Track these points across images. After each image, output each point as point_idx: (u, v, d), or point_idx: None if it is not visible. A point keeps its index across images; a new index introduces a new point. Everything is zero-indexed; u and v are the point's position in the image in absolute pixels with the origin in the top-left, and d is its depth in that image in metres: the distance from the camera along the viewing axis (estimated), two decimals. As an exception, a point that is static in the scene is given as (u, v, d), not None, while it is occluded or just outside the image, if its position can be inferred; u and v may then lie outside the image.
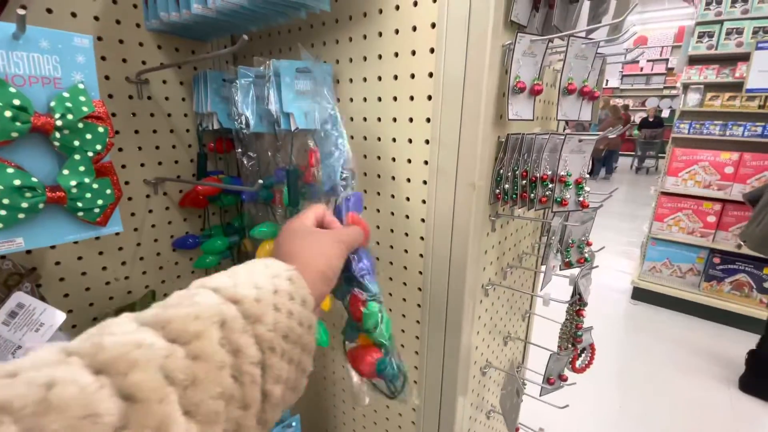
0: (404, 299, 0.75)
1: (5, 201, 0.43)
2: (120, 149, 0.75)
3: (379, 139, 0.70)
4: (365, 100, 0.70)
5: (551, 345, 0.82)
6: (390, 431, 0.89)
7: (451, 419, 0.75)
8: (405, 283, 0.74)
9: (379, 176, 0.72)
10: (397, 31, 0.63)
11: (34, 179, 0.45)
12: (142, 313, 0.27)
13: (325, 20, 0.72)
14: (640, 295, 2.97)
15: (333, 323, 0.85)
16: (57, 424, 0.18)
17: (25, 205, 0.45)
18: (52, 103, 0.46)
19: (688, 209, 2.69)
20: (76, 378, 0.21)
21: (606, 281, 3.27)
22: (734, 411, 1.94)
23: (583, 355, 0.82)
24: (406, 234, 0.71)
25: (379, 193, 0.73)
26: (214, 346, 0.27)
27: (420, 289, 0.72)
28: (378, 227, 0.75)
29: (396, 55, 0.64)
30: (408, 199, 0.69)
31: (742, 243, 2.34)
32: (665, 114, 8.66)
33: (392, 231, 0.73)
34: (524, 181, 0.62)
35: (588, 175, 0.63)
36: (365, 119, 0.71)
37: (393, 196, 0.71)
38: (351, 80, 0.71)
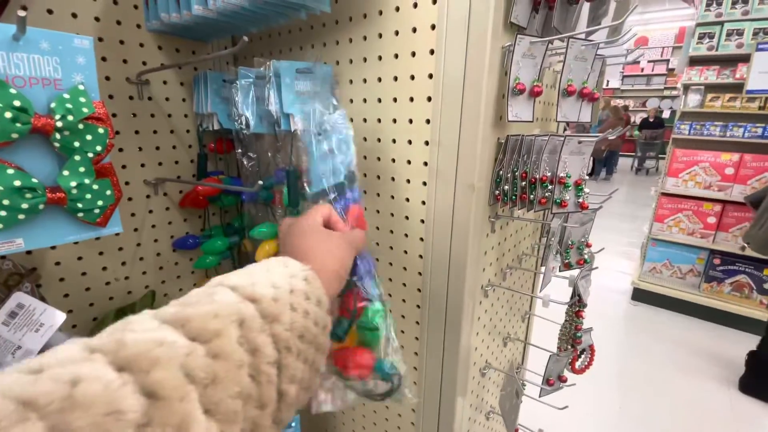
0: (404, 300, 0.76)
1: (5, 202, 0.43)
2: (120, 150, 0.75)
3: (379, 140, 0.70)
4: (365, 101, 0.70)
5: (551, 346, 0.82)
6: (389, 432, 0.89)
7: (451, 420, 0.75)
8: (404, 284, 0.74)
9: (378, 177, 0.72)
10: (397, 33, 0.63)
11: (34, 180, 0.46)
12: (161, 310, 0.28)
13: (325, 21, 0.72)
14: (640, 295, 2.97)
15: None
16: (82, 421, 0.19)
17: (25, 205, 0.45)
18: (53, 105, 0.46)
19: (688, 210, 2.69)
20: (100, 375, 0.21)
21: (606, 282, 3.27)
22: (734, 412, 1.94)
23: (582, 356, 0.82)
24: (406, 235, 0.71)
25: (378, 194, 0.73)
26: (233, 344, 0.27)
27: (419, 290, 0.72)
28: (378, 228, 0.75)
29: (396, 56, 0.64)
30: (408, 200, 0.69)
31: (745, 245, 2.34)
32: (666, 115, 8.66)
33: (392, 232, 0.73)
34: (524, 183, 0.63)
35: (588, 176, 0.63)
36: (365, 120, 0.71)
37: (393, 197, 0.71)
38: (351, 81, 0.71)
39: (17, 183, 0.44)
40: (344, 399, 0.54)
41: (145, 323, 0.25)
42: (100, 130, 0.50)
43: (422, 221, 0.68)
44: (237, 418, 0.25)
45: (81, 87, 0.48)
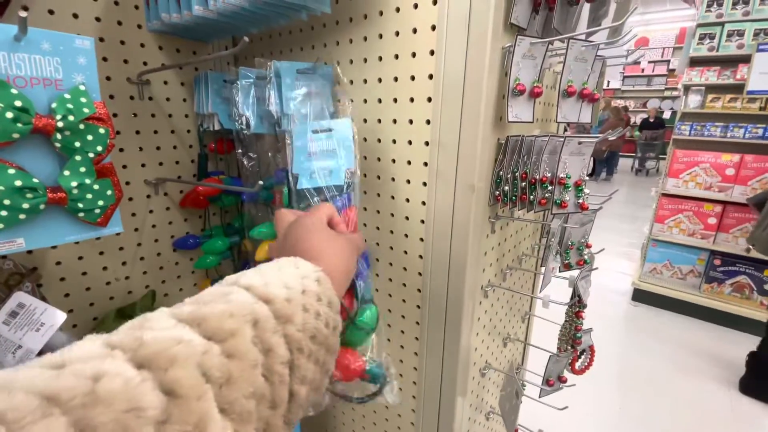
0: (404, 300, 0.76)
1: (6, 202, 0.44)
2: (121, 150, 0.76)
3: (379, 140, 0.70)
4: (365, 101, 0.70)
5: (551, 346, 0.82)
6: (389, 432, 0.89)
7: (450, 420, 0.75)
8: (404, 284, 0.74)
9: (379, 177, 0.72)
10: (397, 33, 0.63)
11: (35, 180, 0.46)
12: (177, 308, 0.28)
13: (326, 22, 0.72)
14: (640, 296, 2.97)
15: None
16: (104, 417, 0.19)
17: (26, 205, 0.45)
18: (54, 105, 0.46)
19: (688, 211, 2.69)
20: (121, 371, 0.21)
21: (606, 282, 3.27)
22: (734, 413, 1.94)
23: (582, 356, 0.82)
24: (406, 235, 0.71)
25: (379, 195, 0.73)
26: (248, 344, 0.27)
27: (419, 290, 0.72)
28: (378, 228, 0.75)
29: (396, 57, 0.64)
30: (408, 200, 0.69)
31: (750, 247, 2.34)
32: (666, 115, 8.65)
33: (392, 232, 0.73)
34: (524, 183, 0.63)
35: (588, 177, 0.64)
36: (365, 121, 0.71)
37: (393, 198, 0.71)
38: (351, 82, 0.71)
39: (18, 183, 0.44)
40: (319, 402, 0.54)
41: (162, 321, 0.26)
42: (101, 131, 0.50)
43: (422, 222, 0.68)
44: (251, 418, 0.26)
45: (82, 87, 0.49)
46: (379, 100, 0.68)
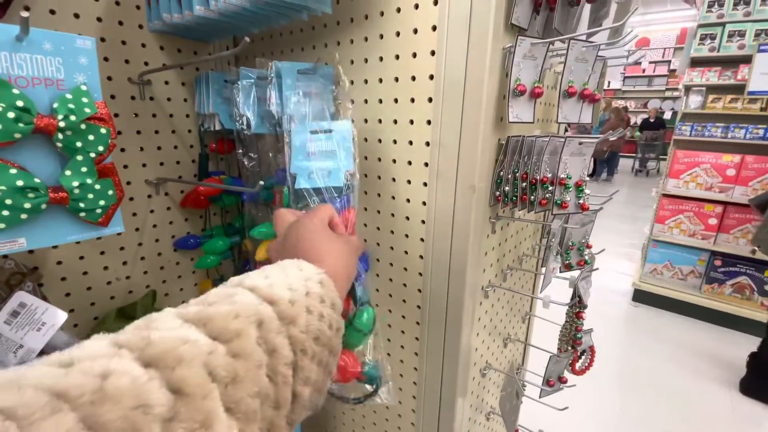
0: (404, 300, 0.76)
1: (8, 201, 0.44)
2: (122, 150, 0.76)
3: (380, 140, 0.70)
4: (366, 102, 0.70)
5: (551, 347, 0.82)
6: (389, 432, 0.89)
7: (451, 420, 0.75)
8: (405, 285, 0.74)
9: (379, 178, 0.72)
10: (398, 34, 0.63)
11: (36, 180, 0.46)
12: (183, 309, 0.28)
13: (327, 22, 0.72)
14: (640, 297, 2.96)
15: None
16: (112, 414, 0.19)
17: (27, 205, 0.45)
18: (55, 105, 0.46)
19: (689, 211, 2.69)
20: (128, 370, 0.21)
21: (607, 283, 3.27)
22: (735, 413, 1.94)
23: (583, 357, 0.82)
24: (407, 236, 0.71)
25: (379, 195, 0.73)
26: (253, 345, 0.27)
27: (420, 290, 0.72)
28: (378, 228, 0.75)
29: (397, 57, 0.64)
30: (408, 200, 0.69)
31: (756, 248, 2.34)
32: (667, 116, 8.64)
33: (392, 232, 0.73)
34: (524, 184, 0.63)
35: (588, 178, 0.64)
36: (366, 121, 0.71)
37: (393, 198, 0.71)
38: (352, 82, 0.71)
39: (20, 183, 0.44)
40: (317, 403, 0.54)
41: (168, 321, 0.26)
42: (103, 131, 0.50)
43: (423, 222, 0.68)
44: (255, 417, 0.26)
45: (83, 87, 0.49)
46: (380, 101, 0.68)
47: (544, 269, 0.71)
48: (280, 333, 0.29)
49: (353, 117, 0.72)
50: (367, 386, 0.64)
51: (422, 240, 0.69)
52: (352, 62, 0.70)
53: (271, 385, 0.28)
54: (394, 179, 0.70)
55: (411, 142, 0.66)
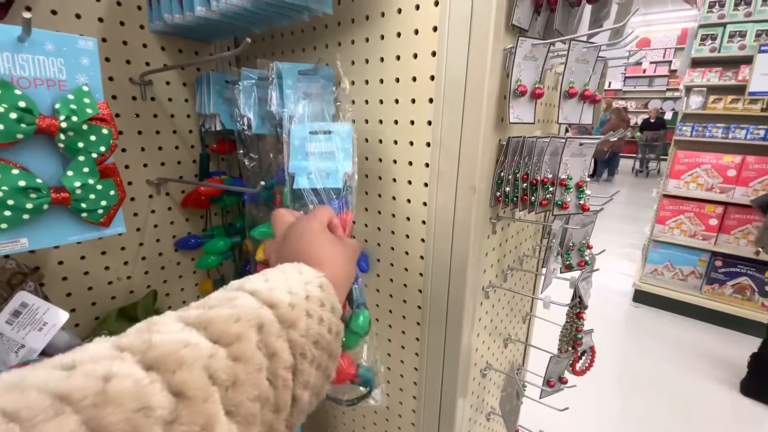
0: (404, 301, 0.76)
1: (10, 202, 0.44)
2: (123, 150, 0.76)
3: (380, 141, 0.70)
4: (367, 102, 0.70)
5: (551, 347, 0.82)
6: (390, 432, 0.89)
7: (451, 421, 0.75)
8: (405, 285, 0.75)
9: (380, 178, 0.72)
10: (399, 35, 0.63)
11: (38, 180, 0.46)
12: (184, 312, 0.28)
13: (328, 23, 0.72)
14: (641, 297, 2.96)
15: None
16: (114, 416, 0.19)
17: (29, 205, 0.45)
18: (57, 105, 0.47)
19: (690, 212, 2.69)
20: (130, 372, 0.21)
21: (607, 283, 3.27)
22: (735, 414, 1.94)
23: (583, 357, 0.82)
24: (407, 236, 0.71)
25: (380, 195, 0.73)
26: (253, 348, 0.27)
27: (421, 290, 0.72)
28: (379, 229, 0.75)
29: (398, 58, 0.64)
30: (409, 201, 0.69)
31: (760, 249, 2.34)
32: (668, 116, 8.64)
33: (393, 233, 0.73)
34: (525, 184, 0.63)
35: (589, 178, 0.64)
36: (367, 121, 0.71)
37: (394, 198, 0.71)
38: (353, 83, 0.71)
39: (22, 183, 0.44)
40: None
41: (170, 325, 0.26)
42: (104, 131, 0.50)
43: (423, 222, 0.68)
44: (255, 421, 0.26)
45: (85, 88, 0.49)
46: (381, 101, 0.68)
47: (544, 270, 0.71)
48: (280, 337, 0.30)
49: (354, 117, 0.73)
50: (361, 388, 0.64)
51: (423, 240, 0.69)
52: (353, 63, 0.70)
53: (271, 388, 0.28)
54: (394, 180, 0.70)
55: (412, 143, 0.66)
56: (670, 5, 8.63)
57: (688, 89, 2.76)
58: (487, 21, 0.53)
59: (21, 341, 0.53)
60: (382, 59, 0.66)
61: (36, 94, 0.46)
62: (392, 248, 0.75)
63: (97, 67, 0.51)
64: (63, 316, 0.55)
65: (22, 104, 0.43)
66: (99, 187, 0.51)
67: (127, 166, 0.77)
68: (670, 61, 9.29)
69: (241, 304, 0.29)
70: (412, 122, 0.65)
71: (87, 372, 0.20)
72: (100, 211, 0.52)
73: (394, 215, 0.72)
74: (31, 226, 0.48)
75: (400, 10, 0.62)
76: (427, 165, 0.65)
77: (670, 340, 2.54)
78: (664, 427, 1.85)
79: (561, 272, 0.73)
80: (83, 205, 0.50)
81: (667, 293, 2.82)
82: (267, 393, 0.27)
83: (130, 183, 0.78)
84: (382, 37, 0.65)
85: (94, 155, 0.50)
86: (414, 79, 0.63)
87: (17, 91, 0.43)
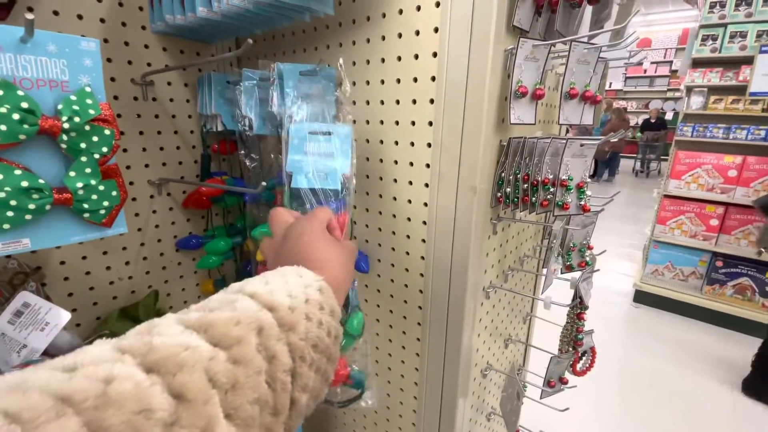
0: (405, 301, 0.76)
1: (13, 202, 0.44)
2: (125, 150, 0.76)
3: (381, 142, 0.70)
4: (368, 103, 0.70)
5: (552, 348, 0.82)
6: (390, 432, 0.89)
7: (452, 421, 0.75)
8: (406, 285, 0.75)
9: (381, 179, 0.72)
10: (400, 35, 0.63)
11: (41, 181, 0.46)
12: (184, 315, 0.28)
13: (329, 24, 0.72)
14: (642, 298, 2.96)
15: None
16: (115, 418, 0.19)
17: (32, 206, 0.45)
18: (60, 106, 0.47)
19: (690, 212, 2.68)
20: (131, 375, 0.21)
21: (608, 284, 3.27)
22: (736, 415, 1.94)
23: (584, 358, 0.82)
24: (408, 236, 0.71)
25: (381, 196, 0.73)
26: (253, 351, 0.27)
27: (421, 291, 0.73)
28: (380, 230, 0.76)
29: (399, 58, 0.64)
30: (410, 201, 0.69)
31: (762, 250, 2.34)
32: (669, 116, 8.63)
33: (394, 233, 0.74)
34: (526, 185, 0.63)
35: (590, 179, 0.64)
36: (368, 122, 0.71)
37: (395, 199, 0.71)
38: (354, 83, 0.71)
39: (24, 184, 0.44)
40: None
41: (170, 328, 0.26)
42: (107, 132, 0.50)
43: (424, 223, 0.68)
44: (254, 424, 0.26)
45: (88, 89, 0.49)
46: (382, 102, 0.68)
47: (545, 270, 0.72)
48: (280, 340, 0.30)
49: (355, 118, 0.73)
50: (353, 390, 0.65)
51: (423, 241, 0.69)
52: (354, 63, 0.71)
53: (270, 391, 0.28)
54: (395, 180, 0.70)
55: (413, 144, 0.66)
56: (670, 5, 8.63)
57: (689, 89, 2.76)
58: (488, 22, 0.53)
59: (23, 341, 0.53)
60: (383, 60, 0.66)
61: (38, 95, 0.46)
62: (393, 249, 0.75)
63: (100, 68, 0.51)
64: (65, 316, 0.55)
65: (24, 105, 0.43)
66: (101, 187, 0.51)
67: (128, 167, 0.77)
68: (671, 62, 9.28)
69: (241, 306, 0.29)
70: (413, 123, 0.65)
71: (88, 374, 0.20)
72: (102, 212, 0.52)
73: (395, 216, 0.72)
74: (34, 227, 0.48)
75: (401, 11, 0.62)
76: (428, 166, 0.65)
77: (670, 341, 2.54)
78: (664, 428, 1.85)
79: (561, 273, 0.73)
80: (85, 206, 0.50)
81: (667, 294, 2.82)
82: (266, 396, 0.27)
83: (131, 183, 0.78)
84: (384, 38, 0.65)
85: (97, 156, 0.50)
86: (415, 79, 0.63)
87: (20, 92, 0.43)
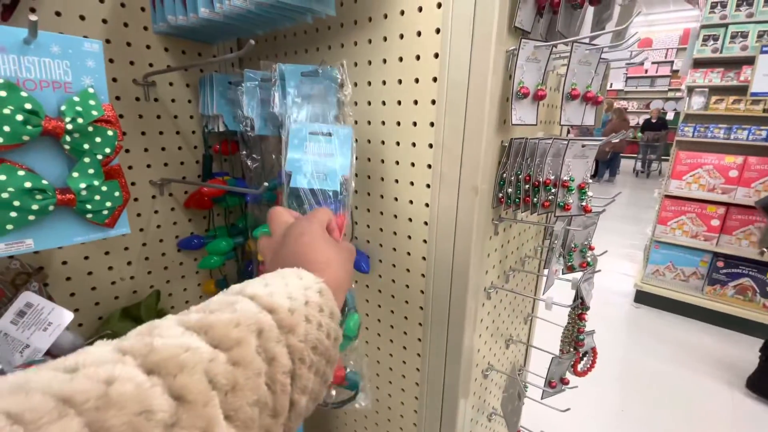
0: (406, 301, 0.76)
1: (16, 203, 0.44)
2: (127, 150, 0.76)
3: (383, 142, 0.71)
4: (369, 103, 0.71)
5: (553, 348, 0.82)
6: (391, 433, 0.89)
7: (453, 421, 0.75)
8: (407, 286, 0.75)
9: (382, 179, 0.72)
10: (401, 36, 0.63)
11: (44, 182, 0.46)
12: (185, 317, 0.28)
13: (331, 24, 0.72)
14: (642, 298, 2.96)
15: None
16: (116, 420, 0.19)
17: (35, 207, 0.45)
18: (63, 107, 0.47)
19: (691, 212, 2.68)
20: (132, 376, 0.21)
21: (609, 284, 3.27)
22: (737, 415, 1.94)
23: (585, 358, 0.82)
24: (409, 237, 0.72)
25: (382, 196, 0.73)
26: (253, 353, 0.27)
27: (423, 291, 0.73)
28: (381, 230, 0.76)
29: (400, 59, 0.64)
30: (411, 202, 0.70)
31: (764, 250, 2.34)
32: (670, 116, 8.62)
33: (395, 234, 0.74)
34: (527, 186, 0.63)
35: (591, 179, 0.64)
36: (369, 123, 0.72)
37: (396, 199, 0.72)
38: (356, 84, 0.71)
39: (28, 184, 0.45)
40: None
41: (171, 329, 0.26)
42: (110, 133, 0.51)
43: (425, 223, 0.68)
44: (254, 425, 0.26)
45: (90, 90, 0.49)
46: (383, 103, 0.69)
47: (546, 271, 0.72)
48: (280, 342, 0.30)
49: (357, 119, 0.73)
50: (347, 391, 0.65)
51: (425, 241, 0.69)
52: (356, 64, 0.71)
53: (269, 393, 0.28)
54: (397, 181, 0.70)
55: (414, 144, 0.66)
56: (672, 5, 8.62)
57: (690, 90, 2.76)
58: (490, 23, 0.53)
59: (26, 341, 0.54)
60: (384, 61, 0.66)
61: (42, 96, 0.46)
62: (394, 249, 0.75)
63: (103, 70, 0.51)
64: (68, 316, 0.56)
65: (28, 106, 0.43)
66: (104, 188, 0.51)
67: (130, 167, 0.77)
68: (672, 62, 9.27)
69: (241, 308, 0.30)
70: (415, 124, 0.65)
71: (89, 375, 0.21)
72: (105, 212, 0.53)
73: (396, 216, 0.73)
74: (37, 227, 0.48)
75: (402, 12, 0.62)
76: (429, 166, 0.65)
77: (671, 341, 2.53)
78: (665, 428, 1.85)
79: (563, 273, 0.73)
80: (88, 206, 0.50)
81: (668, 294, 2.82)
82: (266, 398, 0.27)
83: (133, 183, 0.78)
84: (385, 39, 0.65)
85: (100, 157, 0.50)
86: (417, 80, 0.63)
87: (23, 93, 0.44)
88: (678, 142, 2.76)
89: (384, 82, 0.67)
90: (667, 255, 2.84)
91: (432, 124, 0.63)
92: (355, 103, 0.73)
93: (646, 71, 9.66)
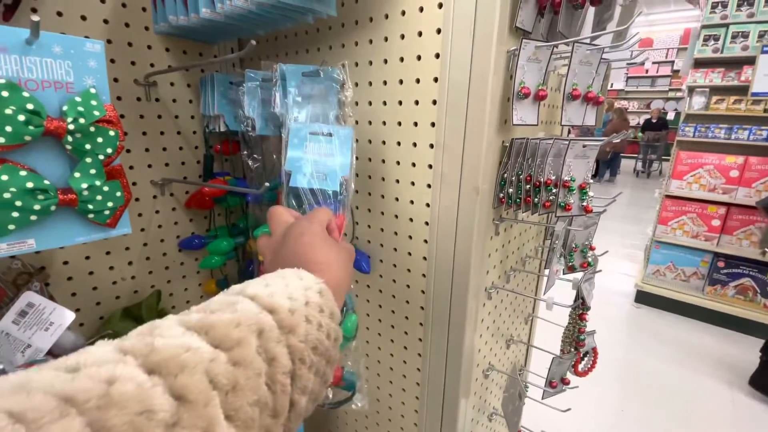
0: (407, 301, 0.76)
1: (18, 203, 0.44)
2: (128, 150, 0.76)
3: (383, 142, 0.71)
4: (370, 103, 0.71)
5: (554, 348, 0.82)
6: (392, 432, 0.89)
7: (453, 421, 0.75)
8: (408, 286, 0.75)
9: (383, 179, 0.72)
10: (402, 36, 0.63)
11: (46, 182, 0.46)
12: (186, 317, 0.28)
13: (332, 25, 0.72)
14: (643, 298, 2.96)
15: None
16: (118, 419, 0.19)
17: (37, 207, 0.46)
18: (65, 108, 0.47)
19: (692, 213, 2.68)
20: (133, 376, 0.22)
21: (609, 284, 3.26)
22: (737, 415, 1.94)
23: (585, 358, 0.82)
24: (410, 237, 0.72)
25: (383, 196, 0.73)
26: (253, 353, 0.27)
27: (423, 291, 0.73)
28: (382, 230, 0.76)
29: (401, 59, 0.64)
30: (412, 202, 0.70)
31: (766, 250, 2.34)
32: (670, 116, 8.61)
33: (396, 234, 0.74)
34: (528, 186, 0.63)
35: (592, 179, 0.64)
36: (370, 123, 0.72)
37: (397, 199, 0.72)
38: (357, 84, 0.72)
39: (30, 185, 0.45)
40: None
41: (172, 329, 0.26)
42: (111, 133, 0.51)
43: (426, 223, 0.68)
44: (254, 425, 0.26)
45: (92, 90, 0.49)
46: (384, 103, 0.69)
47: (547, 271, 0.72)
48: (280, 342, 0.30)
49: (358, 119, 0.73)
50: (344, 391, 0.65)
51: (426, 242, 0.69)
52: (356, 64, 0.71)
53: (269, 393, 0.28)
54: (397, 181, 0.70)
55: (415, 144, 0.67)
56: (672, 5, 8.62)
57: (691, 90, 2.76)
58: (491, 23, 0.53)
59: (27, 341, 0.54)
60: (385, 61, 0.66)
61: (43, 97, 0.46)
62: (395, 249, 0.75)
63: (104, 70, 0.51)
64: (69, 316, 0.56)
65: (30, 106, 0.43)
66: (106, 188, 0.51)
67: (131, 167, 0.77)
68: (673, 62, 9.26)
69: (242, 308, 0.30)
70: (416, 124, 0.65)
71: (91, 375, 0.21)
72: (107, 213, 0.53)
73: (397, 216, 0.73)
74: (39, 227, 0.48)
75: (403, 12, 0.62)
76: (430, 166, 0.65)
77: (672, 341, 2.53)
78: (665, 428, 1.85)
79: (564, 273, 0.73)
80: (90, 207, 0.50)
81: (669, 294, 2.82)
82: (266, 398, 0.28)
83: (134, 183, 0.78)
84: (386, 39, 0.65)
85: (101, 157, 0.50)
86: (417, 80, 0.63)
87: (25, 94, 0.44)
88: (679, 142, 2.76)
89: (385, 83, 0.68)
90: (667, 255, 2.84)
91: (433, 125, 0.63)
92: (356, 103, 0.73)
93: (647, 71, 9.65)
